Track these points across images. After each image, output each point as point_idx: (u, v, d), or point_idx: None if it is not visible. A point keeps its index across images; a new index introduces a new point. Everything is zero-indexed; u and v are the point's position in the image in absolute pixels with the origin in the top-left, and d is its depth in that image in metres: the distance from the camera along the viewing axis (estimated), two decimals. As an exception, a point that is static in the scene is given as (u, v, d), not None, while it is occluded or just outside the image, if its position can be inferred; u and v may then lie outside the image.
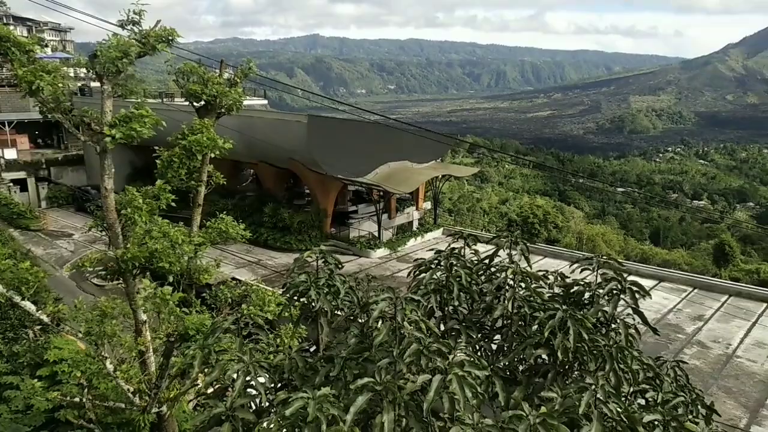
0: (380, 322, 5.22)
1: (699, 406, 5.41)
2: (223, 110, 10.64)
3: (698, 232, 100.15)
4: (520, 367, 6.15)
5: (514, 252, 6.36)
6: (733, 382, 18.32)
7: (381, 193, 32.71)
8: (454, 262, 6.36)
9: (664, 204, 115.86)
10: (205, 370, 5.57)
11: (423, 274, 6.48)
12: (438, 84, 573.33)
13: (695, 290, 26.49)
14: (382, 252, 31.78)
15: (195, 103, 10.57)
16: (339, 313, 6.29)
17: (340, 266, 6.23)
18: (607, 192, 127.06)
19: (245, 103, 11.79)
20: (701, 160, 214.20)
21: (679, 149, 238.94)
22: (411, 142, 33.39)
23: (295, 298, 6.12)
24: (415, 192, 36.50)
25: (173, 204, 8.93)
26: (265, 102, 54.02)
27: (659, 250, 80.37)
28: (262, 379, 5.58)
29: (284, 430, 4.60)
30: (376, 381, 4.62)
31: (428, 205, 39.33)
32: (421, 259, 6.64)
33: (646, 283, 26.73)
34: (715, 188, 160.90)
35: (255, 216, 32.86)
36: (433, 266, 6.41)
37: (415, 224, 37.56)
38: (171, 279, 8.42)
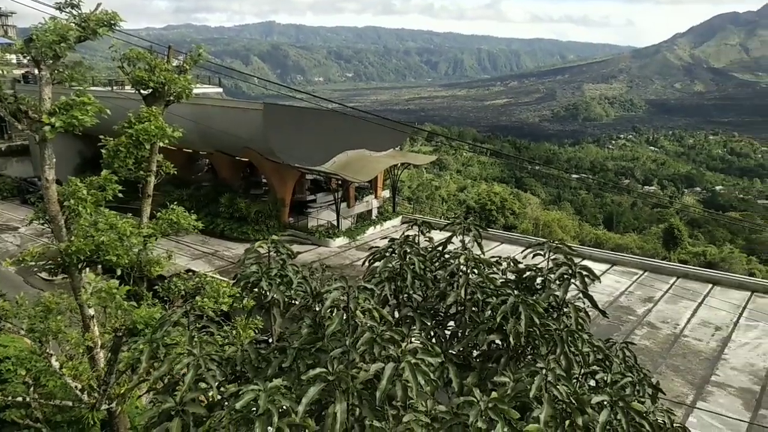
0: (333, 312, 5.17)
1: (646, 386, 5.56)
2: (172, 98, 10.32)
3: (649, 216, 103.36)
4: (474, 353, 6.19)
5: (467, 238, 6.38)
6: (680, 360, 18.98)
7: (339, 182, 32.55)
8: (408, 250, 6.34)
9: (616, 190, 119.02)
10: (154, 364, 5.42)
11: (377, 263, 6.44)
12: (396, 72, 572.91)
13: (646, 273, 27.29)
14: (341, 241, 31.68)
15: (142, 91, 10.22)
16: (295, 302, 6.20)
17: (292, 256, 6.13)
18: (562, 179, 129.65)
19: (199, 91, 11.52)
20: (652, 147, 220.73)
21: (630, 136, 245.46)
22: (369, 130, 33.25)
23: (247, 289, 6.00)
24: (374, 180, 36.44)
25: (121, 195, 8.63)
26: (220, 90, 52.90)
27: (612, 235, 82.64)
28: (214, 373, 5.46)
29: (235, 423, 4.51)
30: (329, 371, 4.57)
31: (387, 193, 39.35)
32: (376, 247, 6.60)
33: (600, 266, 27.46)
34: (664, 174, 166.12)
35: (211, 206, 32.28)
36: (387, 254, 6.38)
37: (375, 213, 37.53)
38: (119, 272, 8.15)
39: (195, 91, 11.27)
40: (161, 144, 10.01)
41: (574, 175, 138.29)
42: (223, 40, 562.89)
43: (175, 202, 10.61)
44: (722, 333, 20.90)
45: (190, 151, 35.77)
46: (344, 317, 5.01)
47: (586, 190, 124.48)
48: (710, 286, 25.48)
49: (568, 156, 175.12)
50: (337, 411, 4.40)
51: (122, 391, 8.27)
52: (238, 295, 8.78)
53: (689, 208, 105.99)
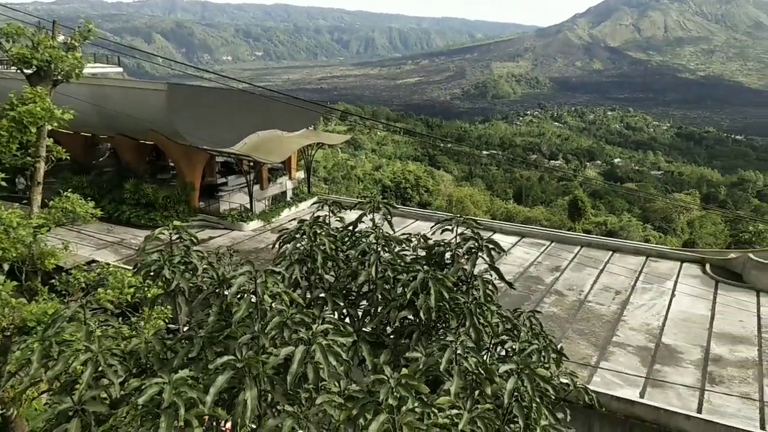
0: (241, 298, 5.01)
1: (550, 351, 5.80)
2: (60, 77, 9.57)
3: (555, 189, 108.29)
4: (389, 330, 6.23)
5: (377, 216, 6.37)
6: (585, 324, 20.10)
7: (251, 164, 31.74)
8: (318, 231, 6.25)
9: (525, 165, 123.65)
10: (48, 364, 5.06)
11: (287, 245, 6.31)
12: (307, 50, 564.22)
13: (553, 243, 28.57)
14: (255, 224, 31.02)
15: (25, 70, 9.41)
16: (204, 289, 5.97)
17: (196, 241, 5.89)
18: (473, 155, 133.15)
19: (97, 71, 10.75)
20: (556, 123, 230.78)
21: (536, 113, 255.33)
22: (281, 110, 32.54)
23: (150, 278, 5.71)
24: (287, 161, 35.85)
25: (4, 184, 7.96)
26: (120, 70, 50.01)
27: (522, 208, 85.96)
28: (116, 368, 5.18)
29: (139, 419, 4.31)
30: (238, 358, 4.44)
31: (302, 174, 38.85)
32: (285, 229, 6.47)
33: (510, 239, 28.50)
34: (568, 148, 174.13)
35: (115, 193, 30.65)
36: (296, 236, 6.26)
37: (289, 194, 36.98)
38: (5, 267, 7.54)
39: (91, 70, 10.57)
40: (51, 127, 9.30)
41: (485, 152, 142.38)
42: (121, 17, 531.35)
43: (71, 190, 9.93)
44: (621, 296, 22.29)
45: (90, 135, 33.69)
46: (252, 303, 4.88)
47: (497, 166, 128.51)
48: (610, 253, 27.05)
49: (479, 133, 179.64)
50: (247, 398, 4.29)
51: (14, 395, 7.71)
52: (140, 285, 8.36)
53: (591, 180, 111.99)
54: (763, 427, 13.97)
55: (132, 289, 8.27)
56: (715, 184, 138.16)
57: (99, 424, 4.86)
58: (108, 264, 10.72)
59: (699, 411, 14.56)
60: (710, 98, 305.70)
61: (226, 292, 5.09)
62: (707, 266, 24.34)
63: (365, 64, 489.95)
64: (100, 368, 4.99)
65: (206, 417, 4.66)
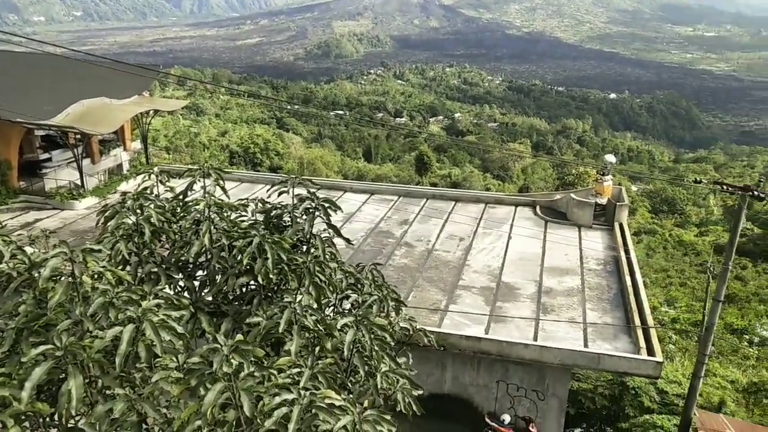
0: (57, 281, 4.60)
1: (389, 301, 6.05)
2: None
3: (402, 146, 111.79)
4: (231, 297, 6.11)
5: (208, 183, 6.13)
6: (434, 272, 21.20)
7: (78, 136, 28.93)
8: (145, 203, 5.88)
9: (372, 124, 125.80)
10: None
11: (111, 221, 5.88)
12: (134, 10, 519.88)
13: (401, 198, 29.54)
14: (89, 201, 28.50)
15: None
16: (14, 277, 5.38)
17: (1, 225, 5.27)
18: (321, 116, 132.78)
19: None
20: (399, 81, 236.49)
21: (379, 71, 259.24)
22: (108, 76, 29.84)
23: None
24: (120, 131, 33.16)
25: None
26: None
27: (372, 167, 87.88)
28: None
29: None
30: (57, 346, 4.09)
31: (139, 144, 36.22)
32: (106, 205, 6.00)
33: (360, 197, 29.02)
34: (412, 105, 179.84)
35: None
36: (121, 210, 5.84)
37: (126, 166, 34.39)
38: None
39: None
40: None
41: (332, 113, 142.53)
42: None
43: None
44: (465, 243, 23.76)
45: None
46: (71, 285, 4.49)
47: (345, 126, 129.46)
48: (453, 203, 28.59)
49: (325, 94, 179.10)
50: (71, 387, 3.98)
51: None
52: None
53: (435, 135, 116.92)
54: (586, 345, 15.83)
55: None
56: (543, 132, 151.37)
57: None
58: None
59: (535, 339, 16.10)
60: (535, 53, 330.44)
61: (38, 277, 4.63)
62: (537, 208, 26.63)
63: (201, 24, 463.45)
64: None
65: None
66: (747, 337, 29.35)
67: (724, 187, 14.96)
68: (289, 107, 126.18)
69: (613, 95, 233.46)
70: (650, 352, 14.37)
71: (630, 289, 17.81)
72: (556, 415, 16.31)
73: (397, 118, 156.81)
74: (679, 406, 17.16)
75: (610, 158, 26.70)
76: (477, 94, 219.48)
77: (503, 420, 15.94)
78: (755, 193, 13.54)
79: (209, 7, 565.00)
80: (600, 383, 19.05)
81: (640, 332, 15.29)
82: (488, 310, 18.00)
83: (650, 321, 15.91)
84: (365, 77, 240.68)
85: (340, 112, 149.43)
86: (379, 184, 35.82)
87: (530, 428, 15.69)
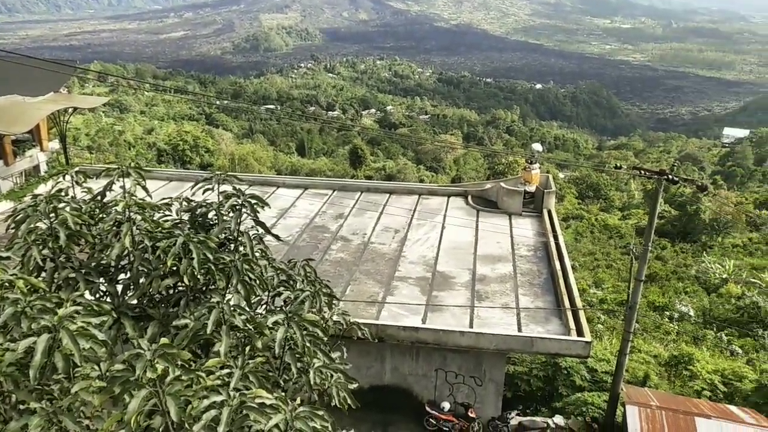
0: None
1: (322, 296, 6.00)
2: None
3: (336, 140, 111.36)
4: (157, 300, 5.89)
5: (128, 182, 5.88)
6: (371, 265, 21.26)
7: (-12, 138, 27.21)
8: (59, 206, 5.58)
9: (304, 118, 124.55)
10: None
11: (22, 226, 5.54)
12: (47, 2, 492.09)
13: (335, 192, 29.41)
14: (4, 205, 26.90)
15: None
16: None
17: None
18: (252, 111, 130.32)
19: None
20: (330, 74, 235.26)
21: (310, 65, 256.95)
22: (19, 72, 28.07)
23: None
24: (36, 130, 31.38)
25: None
26: None
27: (306, 161, 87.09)
28: None
29: None
30: (-38, 363, 3.83)
31: (57, 144, 34.41)
32: (15, 209, 5.65)
33: (294, 192, 28.70)
34: (344, 99, 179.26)
35: None
36: (31, 214, 5.52)
37: (44, 167, 32.62)
38: None
39: None
40: None
41: (263, 107, 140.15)
42: None
43: None
44: (400, 234, 23.94)
45: None
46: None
47: (277, 120, 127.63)
48: (388, 195, 28.75)
49: (255, 88, 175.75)
50: (-20, 405, 3.74)
51: None
52: None
53: (368, 129, 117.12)
54: (520, 329, 16.29)
55: None
56: (473, 123, 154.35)
57: None
58: None
59: (471, 326, 16.44)
60: (463, 45, 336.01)
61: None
62: (469, 198, 27.16)
63: (121, 17, 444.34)
64: None
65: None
66: (668, 313, 31.05)
67: (642, 172, 15.72)
68: (218, 103, 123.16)
69: (539, 86, 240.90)
70: (579, 332, 14.95)
71: (559, 274, 18.45)
72: (494, 400, 16.75)
73: (330, 112, 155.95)
74: (608, 383, 17.95)
75: (537, 147, 27.51)
76: (408, 87, 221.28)
77: (443, 407, 16.22)
78: (670, 177, 14.29)
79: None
80: (534, 366, 19.66)
81: (570, 314, 15.88)
82: (425, 300, 18.23)
83: (579, 303, 16.55)
84: (296, 71, 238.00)
85: (271, 106, 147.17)
86: (313, 178, 35.56)
87: (469, 414, 16.05)
